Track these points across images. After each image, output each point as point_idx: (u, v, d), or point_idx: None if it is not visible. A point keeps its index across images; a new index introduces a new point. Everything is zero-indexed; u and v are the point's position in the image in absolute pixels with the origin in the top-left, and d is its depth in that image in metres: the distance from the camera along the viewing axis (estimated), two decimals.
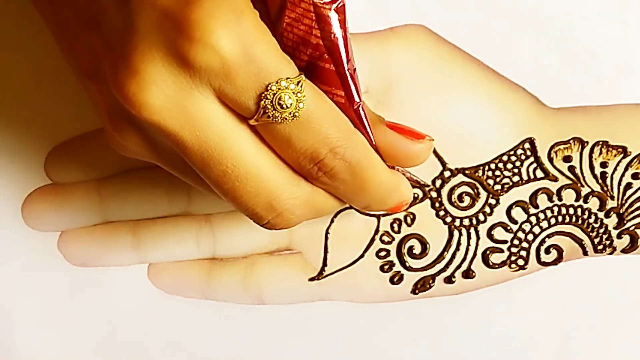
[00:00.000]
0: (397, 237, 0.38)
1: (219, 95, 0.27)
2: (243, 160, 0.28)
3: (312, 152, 0.29)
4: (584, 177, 0.38)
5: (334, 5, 0.28)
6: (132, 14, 0.27)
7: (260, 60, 0.27)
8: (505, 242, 0.38)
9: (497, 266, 0.38)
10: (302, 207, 0.30)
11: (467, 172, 0.38)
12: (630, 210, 0.38)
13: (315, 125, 0.28)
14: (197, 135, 0.27)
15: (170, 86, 0.27)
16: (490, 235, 0.38)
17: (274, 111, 0.27)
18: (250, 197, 0.29)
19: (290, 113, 0.28)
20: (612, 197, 0.38)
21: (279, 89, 0.27)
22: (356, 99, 0.30)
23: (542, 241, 0.38)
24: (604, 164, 0.38)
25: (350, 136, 0.29)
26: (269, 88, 0.27)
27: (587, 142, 0.38)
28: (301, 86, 0.28)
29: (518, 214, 0.38)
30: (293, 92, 0.27)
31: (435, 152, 0.38)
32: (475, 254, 0.38)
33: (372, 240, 0.38)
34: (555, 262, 0.38)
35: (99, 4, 0.29)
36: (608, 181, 0.38)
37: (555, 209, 0.38)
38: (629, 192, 0.38)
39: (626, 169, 0.38)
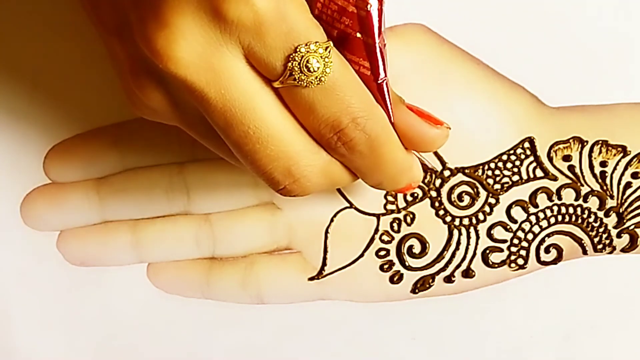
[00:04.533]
0: (397, 237, 0.38)
1: (246, 54, 0.27)
2: (265, 123, 0.28)
3: (334, 120, 0.28)
4: (583, 177, 0.38)
5: None
6: None
7: (291, 20, 0.27)
8: (505, 241, 0.38)
9: (496, 265, 0.38)
10: (319, 175, 0.30)
11: (466, 171, 0.38)
12: (629, 209, 0.38)
13: (339, 93, 0.28)
14: (222, 93, 0.27)
15: (200, 41, 0.27)
16: (490, 235, 0.38)
17: (300, 74, 0.27)
18: (269, 161, 0.29)
19: (316, 77, 0.27)
20: (612, 197, 0.38)
21: (307, 51, 0.27)
22: (381, 73, 0.29)
23: (542, 240, 0.38)
24: (603, 163, 0.38)
25: (372, 109, 0.29)
26: (297, 50, 0.27)
27: (587, 142, 0.38)
28: (329, 52, 0.27)
29: (518, 213, 0.38)
30: (321, 57, 0.27)
31: (434, 151, 0.38)
32: (474, 254, 0.38)
33: (372, 239, 0.38)
34: (554, 261, 0.38)
35: None
36: (608, 180, 0.38)
37: (555, 208, 0.38)
38: (628, 192, 0.38)
39: (626, 168, 0.38)
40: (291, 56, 0.27)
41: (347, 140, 0.29)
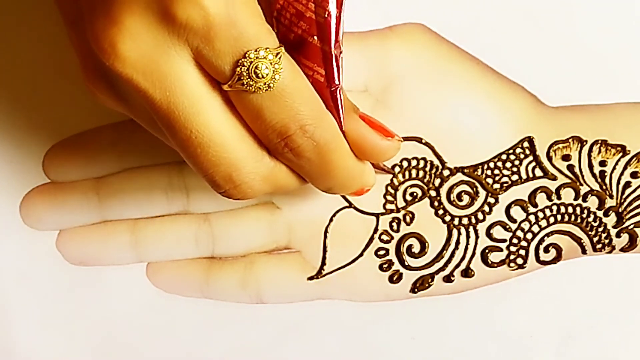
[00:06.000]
0: (396, 236, 0.38)
1: (195, 57, 0.27)
2: (208, 128, 0.28)
3: (282, 127, 0.28)
4: (582, 176, 0.38)
5: None
6: None
7: (242, 25, 0.27)
8: (504, 240, 0.38)
9: (496, 265, 0.38)
10: (262, 181, 0.30)
11: (466, 170, 0.38)
12: (629, 209, 0.38)
13: (288, 100, 0.28)
14: (167, 95, 0.27)
15: (147, 41, 0.27)
16: (489, 234, 0.38)
17: (248, 79, 0.27)
18: (210, 165, 0.29)
19: (265, 83, 0.27)
20: (611, 196, 0.38)
21: (256, 57, 0.27)
22: (336, 80, 0.29)
23: (541, 240, 0.38)
24: (603, 163, 0.38)
25: (321, 116, 0.29)
26: (246, 55, 0.27)
27: (586, 141, 0.38)
28: (279, 58, 0.27)
29: (517, 212, 0.38)
30: (270, 63, 0.27)
31: (434, 150, 0.38)
32: (474, 253, 0.38)
33: (371, 239, 0.38)
34: (554, 260, 0.38)
35: None
36: (607, 180, 0.38)
37: (554, 207, 0.38)
38: (627, 191, 0.38)
39: (625, 168, 0.38)
40: (240, 61, 0.27)
41: (294, 147, 0.29)
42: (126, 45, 0.26)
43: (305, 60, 0.29)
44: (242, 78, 0.27)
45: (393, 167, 0.38)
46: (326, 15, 0.29)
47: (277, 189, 0.31)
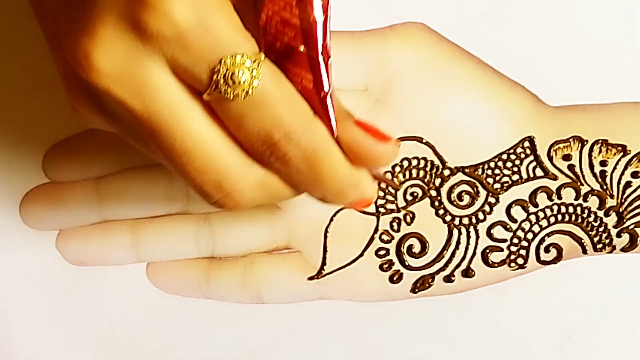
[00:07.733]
0: (397, 236, 0.38)
1: (171, 66, 0.27)
2: (192, 135, 0.27)
3: (265, 134, 0.27)
4: (583, 176, 0.38)
5: None
6: None
7: (215, 32, 0.26)
8: (504, 240, 0.38)
9: (496, 265, 0.38)
10: (254, 189, 0.29)
11: (466, 170, 0.38)
12: (629, 208, 0.38)
13: (269, 106, 0.27)
14: (146, 105, 0.27)
15: (121, 52, 0.26)
16: (489, 234, 0.38)
17: (226, 86, 0.26)
18: (198, 174, 0.28)
19: (243, 90, 0.27)
20: (612, 196, 0.38)
21: (232, 63, 0.26)
22: (325, 87, 0.29)
23: (542, 240, 0.38)
24: (603, 163, 0.38)
25: (308, 123, 0.28)
26: (222, 62, 0.26)
27: (587, 141, 0.38)
28: (258, 64, 0.27)
29: (517, 212, 0.38)
30: (248, 69, 0.26)
31: (434, 150, 0.38)
32: (474, 253, 0.38)
33: (372, 239, 0.38)
34: (554, 260, 0.38)
35: None
36: (608, 180, 0.38)
37: (555, 207, 0.38)
38: (628, 191, 0.38)
39: (626, 168, 0.38)
40: (216, 68, 0.26)
41: (280, 155, 0.28)
42: (100, 56, 0.26)
43: (293, 68, 0.28)
44: (219, 85, 0.26)
45: (393, 167, 0.38)
46: (311, 20, 0.28)
47: (271, 197, 0.30)
